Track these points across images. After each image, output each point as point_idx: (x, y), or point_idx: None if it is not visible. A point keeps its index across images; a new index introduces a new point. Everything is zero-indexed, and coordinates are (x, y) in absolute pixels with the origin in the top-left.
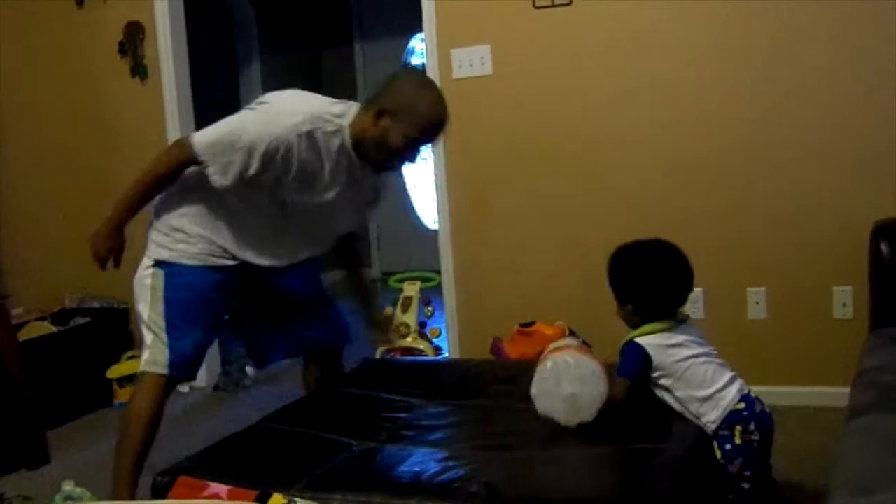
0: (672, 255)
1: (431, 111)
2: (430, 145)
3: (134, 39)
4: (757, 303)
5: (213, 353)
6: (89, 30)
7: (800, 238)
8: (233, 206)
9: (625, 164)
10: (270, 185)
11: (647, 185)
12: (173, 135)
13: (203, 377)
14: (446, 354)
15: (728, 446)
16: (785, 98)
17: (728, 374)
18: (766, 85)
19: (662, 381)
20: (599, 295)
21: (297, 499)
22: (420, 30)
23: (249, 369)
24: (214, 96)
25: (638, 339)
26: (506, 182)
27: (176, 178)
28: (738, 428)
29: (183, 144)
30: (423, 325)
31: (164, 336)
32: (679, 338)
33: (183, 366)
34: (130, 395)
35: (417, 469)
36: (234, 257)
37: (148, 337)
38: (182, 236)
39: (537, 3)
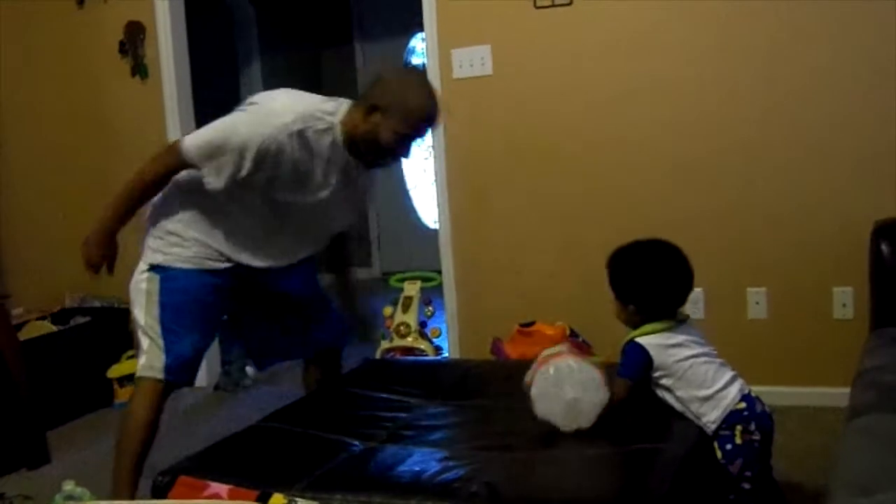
0: (673, 255)
1: (422, 107)
2: (421, 141)
3: (134, 39)
4: (757, 303)
5: (213, 353)
6: (90, 29)
7: (800, 238)
8: (226, 208)
9: (625, 164)
10: (263, 185)
11: (647, 185)
12: (173, 134)
13: (203, 377)
14: (446, 354)
15: (729, 446)
16: (785, 98)
17: (729, 374)
18: (766, 85)
19: (663, 381)
20: (599, 295)
21: (297, 499)
22: (420, 29)
23: (249, 369)
24: (215, 96)
25: (639, 339)
26: (506, 182)
27: (167, 183)
28: (739, 428)
29: (173, 148)
30: (423, 324)
31: (160, 341)
32: (680, 338)
33: (180, 370)
34: (128, 400)
35: (418, 469)
36: (229, 260)
37: (144, 342)
38: (176, 240)
39: (538, 3)
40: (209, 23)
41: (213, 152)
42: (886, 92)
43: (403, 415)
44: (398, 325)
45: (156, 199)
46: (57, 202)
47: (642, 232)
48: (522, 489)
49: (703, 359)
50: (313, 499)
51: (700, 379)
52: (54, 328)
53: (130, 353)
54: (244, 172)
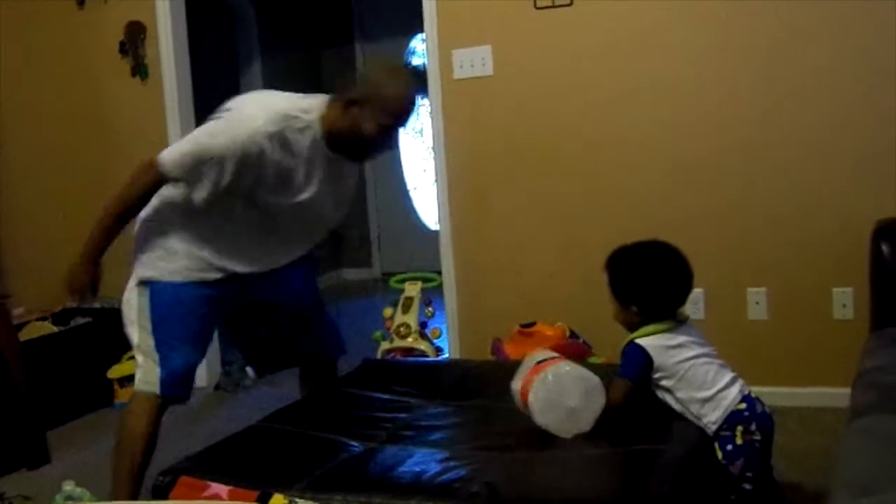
0: (673, 256)
1: (400, 95)
2: (403, 129)
3: (135, 39)
4: (757, 303)
5: (213, 353)
6: (90, 29)
7: (800, 238)
8: (212, 217)
9: (625, 164)
10: (247, 191)
11: (647, 185)
12: (174, 134)
13: (203, 377)
14: (447, 355)
15: (729, 447)
16: (785, 98)
17: (729, 375)
18: (766, 85)
19: (663, 383)
20: (599, 295)
21: (297, 499)
22: (421, 30)
23: (250, 369)
24: (215, 96)
25: (639, 341)
26: (506, 182)
27: (147, 201)
28: (740, 428)
29: (150, 166)
30: (423, 325)
31: (154, 355)
32: (680, 338)
33: (175, 384)
34: (123, 416)
35: (418, 469)
36: (219, 269)
37: (139, 358)
38: (163, 253)
39: (538, 4)
40: (210, 23)
41: (193, 165)
42: (886, 92)
43: (403, 415)
44: (398, 326)
45: (142, 213)
46: (57, 202)
47: (642, 232)
48: (522, 489)
49: (703, 360)
50: (313, 499)
51: (700, 380)
52: (55, 328)
53: (130, 353)
54: (226, 181)
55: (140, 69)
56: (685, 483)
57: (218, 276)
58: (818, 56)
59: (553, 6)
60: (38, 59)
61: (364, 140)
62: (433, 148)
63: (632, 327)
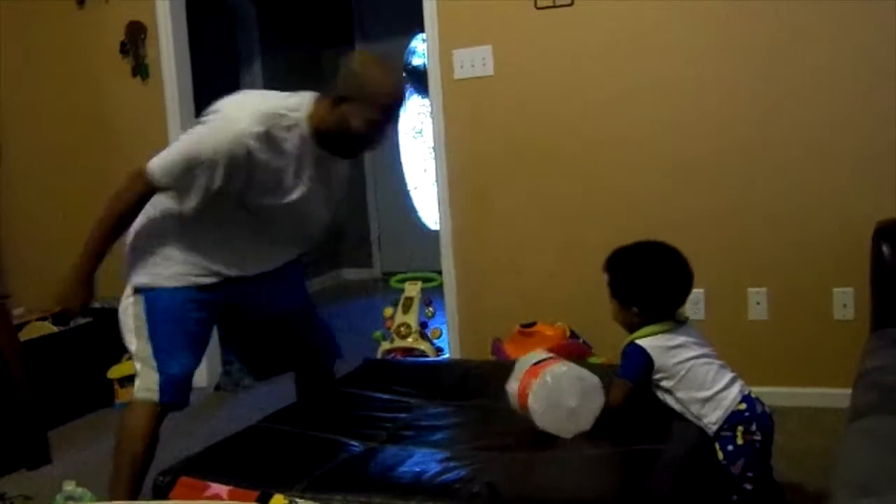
0: (673, 256)
1: (388, 89)
2: (394, 123)
3: (135, 39)
4: (758, 303)
5: (213, 353)
6: (90, 29)
7: (800, 238)
8: (204, 223)
9: (625, 164)
10: (237, 194)
11: (647, 185)
12: (174, 134)
13: (203, 377)
14: (447, 355)
15: (730, 447)
16: (785, 98)
17: (728, 375)
18: (766, 85)
19: (664, 383)
20: (599, 295)
21: (297, 499)
22: (421, 30)
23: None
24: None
25: (639, 341)
26: (507, 182)
27: (139, 212)
28: (740, 428)
29: (139, 176)
30: (424, 325)
31: (152, 362)
32: (680, 339)
33: (174, 391)
34: (122, 424)
35: (418, 469)
36: (213, 273)
37: (137, 366)
38: (157, 259)
39: (539, 4)
40: (210, 23)
41: (182, 171)
42: (886, 92)
43: (403, 415)
44: (399, 326)
45: (134, 223)
46: (57, 202)
47: (642, 232)
48: (523, 489)
49: (703, 360)
50: (313, 499)
51: (700, 380)
52: (55, 328)
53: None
54: (216, 185)
55: (140, 69)
56: (685, 483)
57: (212, 280)
58: (818, 56)
59: (554, 6)
60: (38, 59)
61: (353, 136)
62: (433, 148)
63: (631, 328)
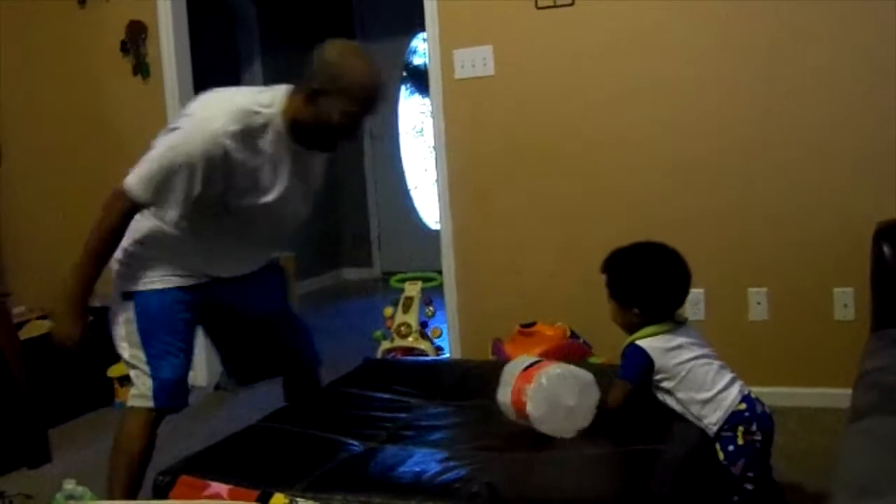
0: (672, 256)
1: (365, 81)
2: (372, 114)
3: (136, 38)
4: (758, 303)
5: (213, 353)
6: (91, 29)
7: (800, 238)
8: (185, 227)
9: (625, 164)
10: (217, 198)
11: (647, 185)
12: None
13: (203, 377)
14: (447, 355)
15: (731, 447)
16: (785, 98)
17: (728, 376)
18: (766, 85)
19: (664, 384)
20: (599, 295)
21: (298, 499)
22: (422, 29)
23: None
24: None
25: (639, 342)
26: (507, 182)
27: (124, 231)
28: (741, 429)
29: (118, 195)
30: (424, 325)
31: (145, 368)
32: (679, 339)
33: (169, 395)
34: (118, 431)
35: (418, 469)
36: (196, 275)
37: (131, 373)
38: (142, 262)
39: (539, 4)
40: (211, 22)
41: (161, 182)
42: (886, 92)
43: (404, 415)
44: (399, 326)
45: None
46: (57, 202)
47: (642, 232)
48: (522, 489)
49: (703, 361)
50: (314, 499)
51: (700, 381)
52: None
53: None
54: (196, 191)
55: (141, 68)
56: (686, 483)
57: (196, 281)
58: (818, 56)
59: (554, 6)
60: (38, 59)
61: (331, 129)
62: (434, 147)
63: (631, 329)
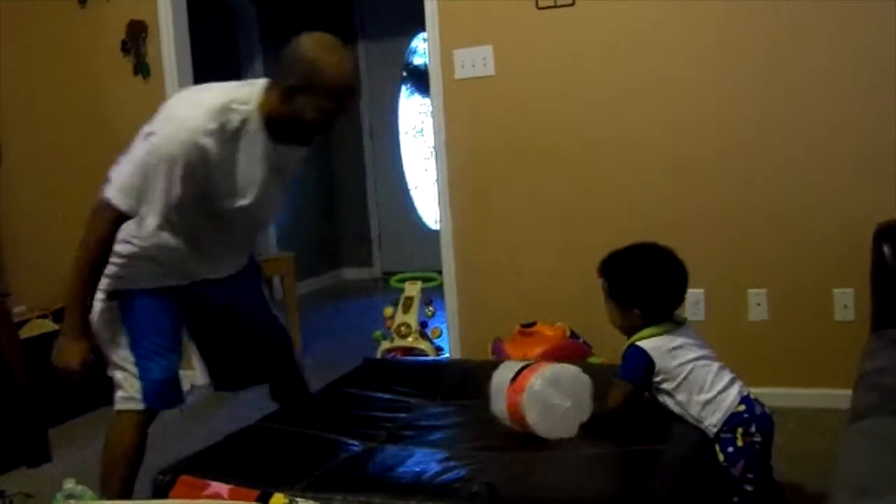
0: (670, 256)
1: (340, 76)
2: (348, 109)
3: (136, 38)
4: (758, 304)
5: None
6: (91, 28)
7: (800, 239)
8: (166, 227)
9: (625, 164)
10: (197, 198)
11: (647, 185)
12: None
13: (204, 377)
14: (447, 355)
15: (730, 449)
16: (785, 98)
17: (728, 377)
18: (766, 85)
19: (664, 386)
20: (600, 295)
21: (298, 498)
22: (422, 29)
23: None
24: None
25: (640, 343)
26: (507, 182)
27: (111, 244)
28: (740, 430)
29: (101, 208)
30: (424, 325)
31: (133, 369)
32: (679, 340)
33: (156, 396)
34: (108, 435)
35: (418, 469)
36: (182, 276)
37: (119, 375)
38: (126, 262)
39: (540, 4)
40: (211, 21)
41: (142, 186)
42: (886, 92)
43: (403, 415)
44: (399, 326)
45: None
46: (57, 202)
47: (642, 232)
48: (522, 489)
49: (703, 362)
50: (314, 499)
51: (700, 382)
52: (55, 326)
53: None
54: (176, 192)
55: (142, 68)
56: (686, 484)
57: (180, 282)
58: (818, 56)
59: (555, 6)
60: (38, 59)
61: (308, 125)
62: (434, 147)
63: (631, 331)
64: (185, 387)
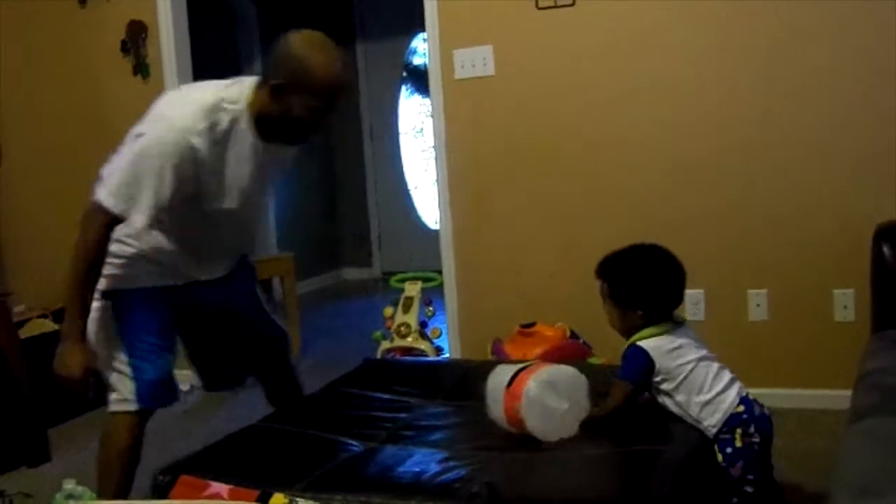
0: (668, 256)
1: (329, 75)
2: (338, 108)
3: (136, 38)
4: (758, 305)
5: None
6: (91, 29)
7: (800, 239)
8: (157, 227)
9: (625, 164)
10: (187, 198)
11: (647, 185)
12: None
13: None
14: (447, 355)
15: (729, 449)
16: (785, 98)
17: (727, 377)
18: (766, 85)
19: (664, 386)
20: (599, 296)
21: (298, 499)
22: (422, 30)
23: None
24: None
25: (640, 343)
26: (507, 182)
27: (106, 246)
28: (739, 431)
29: (93, 211)
30: (424, 325)
31: (127, 369)
32: (679, 340)
33: (149, 396)
34: (103, 436)
35: (418, 469)
36: (176, 276)
37: (111, 376)
38: (120, 261)
39: (540, 4)
40: (211, 22)
41: (132, 188)
42: (886, 92)
43: (403, 415)
44: (399, 326)
45: None
46: (57, 202)
47: (642, 232)
48: (522, 489)
49: (703, 362)
50: (314, 499)
51: (700, 383)
52: (55, 326)
53: None
54: (166, 193)
55: (141, 68)
56: (685, 484)
57: (174, 282)
58: (818, 56)
59: (555, 6)
60: (38, 59)
61: (297, 125)
62: (434, 148)
63: (629, 332)
64: (185, 387)
